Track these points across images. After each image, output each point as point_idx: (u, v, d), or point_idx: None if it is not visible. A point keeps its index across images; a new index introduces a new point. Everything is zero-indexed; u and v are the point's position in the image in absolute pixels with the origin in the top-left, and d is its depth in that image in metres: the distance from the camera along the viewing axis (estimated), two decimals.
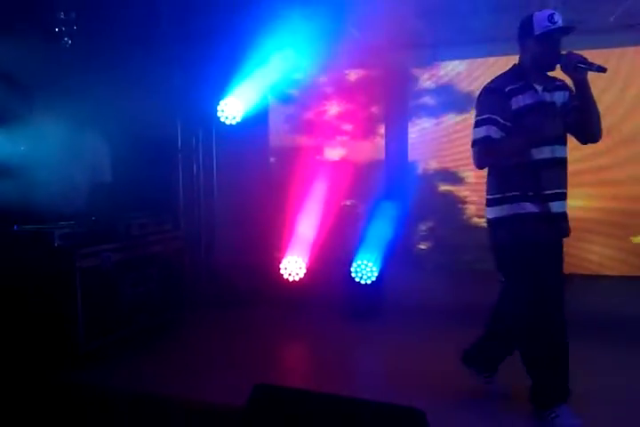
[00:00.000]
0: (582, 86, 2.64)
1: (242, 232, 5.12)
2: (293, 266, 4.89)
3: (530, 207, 2.70)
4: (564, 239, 2.83)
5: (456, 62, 4.88)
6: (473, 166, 2.80)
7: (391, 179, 5.08)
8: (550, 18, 2.66)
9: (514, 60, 2.86)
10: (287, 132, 5.49)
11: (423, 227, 5.22)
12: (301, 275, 4.88)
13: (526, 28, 2.74)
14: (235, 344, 3.99)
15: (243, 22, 4.48)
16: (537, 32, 2.68)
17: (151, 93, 4.34)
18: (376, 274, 4.60)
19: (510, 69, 2.83)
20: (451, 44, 4.65)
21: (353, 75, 5.20)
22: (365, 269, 4.61)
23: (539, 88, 2.75)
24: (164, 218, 4.50)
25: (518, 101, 2.70)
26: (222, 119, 4.91)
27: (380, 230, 4.84)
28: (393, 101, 5.10)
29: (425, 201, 5.10)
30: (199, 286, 5.11)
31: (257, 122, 5.16)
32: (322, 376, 3.40)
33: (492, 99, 2.74)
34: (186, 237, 4.74)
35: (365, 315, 4.47)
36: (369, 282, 4.60)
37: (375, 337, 4.12)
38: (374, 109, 5.20)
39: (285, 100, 5.34)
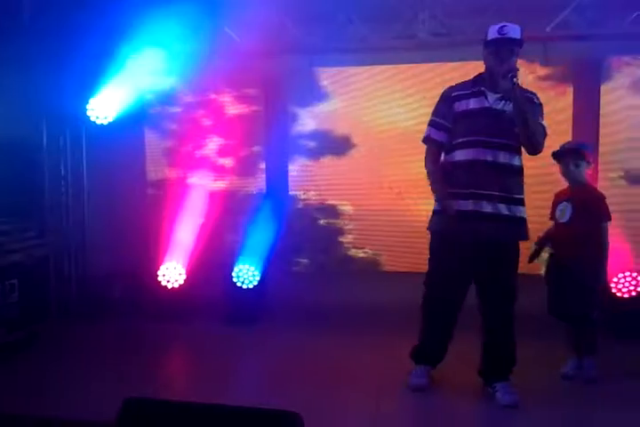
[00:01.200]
0: (511, 96, 2.82)
1: (115, 238, 4.86)
2: (172, 273, 4.73)
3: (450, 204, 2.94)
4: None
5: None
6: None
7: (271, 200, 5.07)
8: (500, 29, 2.85)
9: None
10: (164, 137, 5.28)
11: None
12: (181, 281, 4.73)
13: (484, 38, 2.93)
14: (107, 357, 3.77)
15: (114, 18, 4.27)
16: (487, 41, 2.89)
17: (11, 91, 4.01)
18: (258, 278, 4.57)
19: (474, 76, 3.03)
20: (327, 52, 4.74)
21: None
22: (247, 273, 4.57)
23: (492, 96, 2.92)
24: (27, 224, 4.16)
25: (462, 106, 2.95)
26: (93, 119, 4.64)
27: (262, 234, 4.83)
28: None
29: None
30: (68, 297, 4.78)
31: (132, 122, 4.94)
32: (202, 386, 3.30)
33: (439, 102, 3.07)
34: (52, 245, 4.42)
35: (248, 320, 4.42)
36: (251, 286, 4.56)
37: (258, 342, 4.08)
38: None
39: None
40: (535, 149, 2.91)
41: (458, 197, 2.93)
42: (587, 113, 4.53)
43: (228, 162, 5.19)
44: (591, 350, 3.31)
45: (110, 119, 4.66)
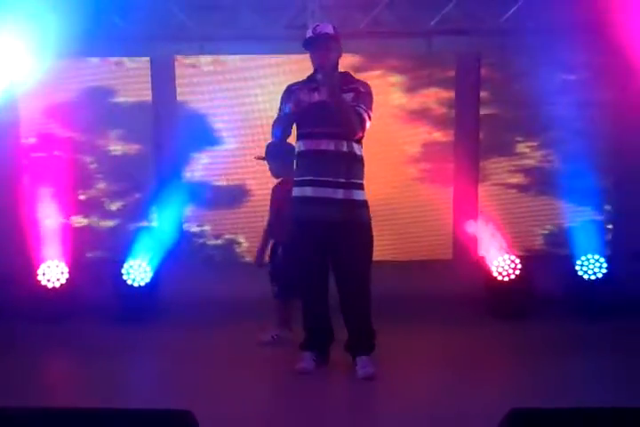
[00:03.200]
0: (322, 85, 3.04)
1: None
2: (53, 272, 4.43)
3: (295, 191, 3.19)
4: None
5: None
6: None
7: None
8: (314, 29, 3.10)
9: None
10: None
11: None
12: (63, 281, 4.44)
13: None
14: None
15: None
16: (304, 41, 3.10)
17: None
18: (150, 275, 4.41)
19: (311, 74, 3.19)
20: (218, 39, 4.63)
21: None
22: (139, 270, 4.39)
23: (323, 89, 3.05)
24: None
25: (298, 98, 3.14)
26: None
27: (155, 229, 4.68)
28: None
29: None
30: None
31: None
32: (89, 390, 3.11)
33: (282, 95, 3.26)
34: None
35: (138, 319, 4.25)
36: (142, 284, 4.38)
37: (150, 339, 3.94)
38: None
39: None
40: (350, 134, 3.10)
41: (302, 185, 3.15)
42: (468, 106, 4.74)
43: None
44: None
45: None
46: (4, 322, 4.16)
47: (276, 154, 3.61)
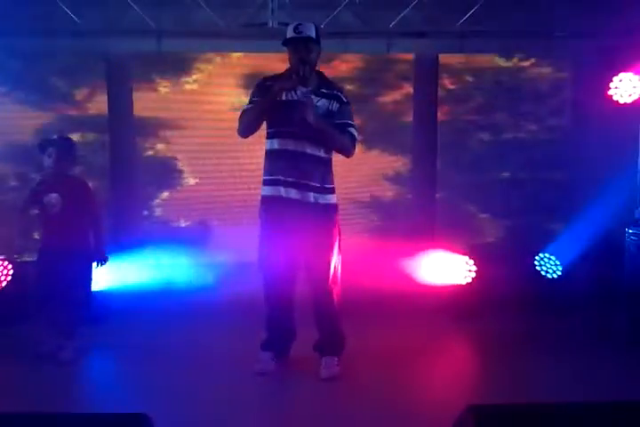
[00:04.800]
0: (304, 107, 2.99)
1: None
2: None
3: (265, 190, 3.16)
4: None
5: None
6: None
7: None
8: (295, 28, 3.03)
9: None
10: None
11: None
12: None
13: (284, 37, 3.07)
14: None
15: None
16: (285, 40, 3.05)
17: None
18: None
19: (286, 70, 3.13)
20: (175, 36, 4.56)
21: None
22: None
23: (303, 89, 3.02)
24: None
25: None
26: None
27: None
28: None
29: None
30: None
31: None
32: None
33: (254, 89, 3.19)
34: None
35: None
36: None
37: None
38: None
39: None
40: (347, 156, 3.17)
41: (270, 184, 3.12)
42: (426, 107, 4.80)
43: None
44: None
45: None
46: None
47: None
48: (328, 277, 3.17)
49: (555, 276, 4.58)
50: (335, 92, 3.14)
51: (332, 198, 3.18)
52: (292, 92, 3.05)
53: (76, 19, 4.38)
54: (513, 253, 4.77)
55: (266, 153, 3.17)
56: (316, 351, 3.30)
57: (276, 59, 3.79)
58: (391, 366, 3.42)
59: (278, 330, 3.31)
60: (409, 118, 4.81)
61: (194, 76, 4.68)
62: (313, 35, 3.03)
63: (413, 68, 4.78)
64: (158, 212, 4.76)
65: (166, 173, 4.73)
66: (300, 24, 3.05)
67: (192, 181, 4.74)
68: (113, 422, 1.59)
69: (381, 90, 4.78)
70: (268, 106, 3.05)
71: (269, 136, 3.15)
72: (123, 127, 4.67)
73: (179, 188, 4.75)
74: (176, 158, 4.73)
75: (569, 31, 4.63)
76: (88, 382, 3.37)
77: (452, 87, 4.83)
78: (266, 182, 3.15)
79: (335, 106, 3.10)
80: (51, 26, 4.42)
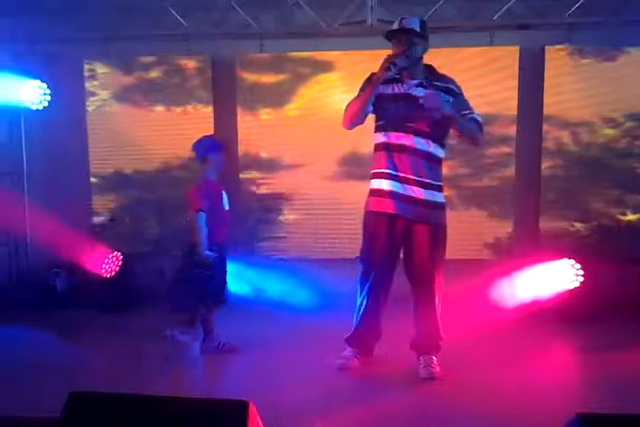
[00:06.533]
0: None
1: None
2: None
3: (373, 183, 3.15)
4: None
5: None
6: None
7: None
8: (400, 21, 3.04)
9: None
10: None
11: None
12: None
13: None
14: None
15: None
16: (387, 32, 3.07)
17: None
18: None
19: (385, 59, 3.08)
20: (277, 37, 4.68)
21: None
22: None
23: (411, 82, 3.05)
24: None
25: (383, 89, 3.07)
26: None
27: None
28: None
29: None
30: None
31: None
32: None
33: (365, 82, 3.15)
34: None
35: None
36: None
37: None
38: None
39: None
40: (475, 145, 3.22)
41: (377, 177, 3.12)
42: (531, 99, 4.61)
43: None
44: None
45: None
46: None
47: None
48: (433, 275, 3.12)
49: None
50: (448, 85, 3.09)
51: (440, 197, 3.13)
52: (400, 85, 3.05)
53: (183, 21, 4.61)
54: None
55: (374, 146, 3.17)
56: (413, 350, 3.26)
57: None
58: (497, 370, 3.27)
59: (366, 325, 3.26)
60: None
61: None
62: (416, 27, 3.00)
63: (518, 61, 4.59)
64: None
65: None
66: (404, 18, 3.05)
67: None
68: (218, 407, 1.68)
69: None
70: (369, 96, 3.04)
71: (377, 129, 3.15)
72: None
73: None
74: None
75: None
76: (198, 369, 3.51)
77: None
78: (374, 176, 3.16)
79: (450, 98, 3.04)
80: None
